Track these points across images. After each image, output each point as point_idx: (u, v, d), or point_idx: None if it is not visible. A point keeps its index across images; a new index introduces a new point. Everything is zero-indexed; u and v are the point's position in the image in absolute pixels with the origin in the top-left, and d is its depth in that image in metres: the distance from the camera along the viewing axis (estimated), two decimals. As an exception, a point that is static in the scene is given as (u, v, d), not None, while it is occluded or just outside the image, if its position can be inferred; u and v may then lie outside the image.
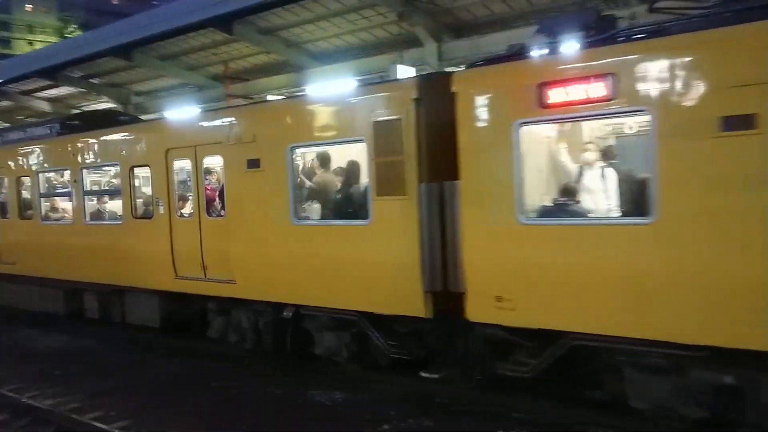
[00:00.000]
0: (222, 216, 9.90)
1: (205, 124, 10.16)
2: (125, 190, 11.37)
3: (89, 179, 12.64)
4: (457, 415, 7.52)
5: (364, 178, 8.43)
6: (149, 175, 10.94)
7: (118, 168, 11.65)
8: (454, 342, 7.91)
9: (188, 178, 10.45)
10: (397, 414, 7.62)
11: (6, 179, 14.04)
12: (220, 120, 9.80)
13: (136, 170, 11.29)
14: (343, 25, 17.38)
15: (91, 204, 12.43)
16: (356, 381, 8.77)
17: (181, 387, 9.08)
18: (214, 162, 10.06)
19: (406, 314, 7.95)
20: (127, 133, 11.50)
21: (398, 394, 8.30)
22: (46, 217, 13.31)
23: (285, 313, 9.35)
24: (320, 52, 19.03)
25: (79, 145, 12.20)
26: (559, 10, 13.88)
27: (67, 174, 12.70)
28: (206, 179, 10.14)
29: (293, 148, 8.84)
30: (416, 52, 16.56)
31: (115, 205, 12.11)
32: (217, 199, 10.06)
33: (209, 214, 10.11)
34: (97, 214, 12.42)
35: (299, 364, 9.46)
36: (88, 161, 12.15)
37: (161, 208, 10.69)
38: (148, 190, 11.23)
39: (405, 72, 14.62)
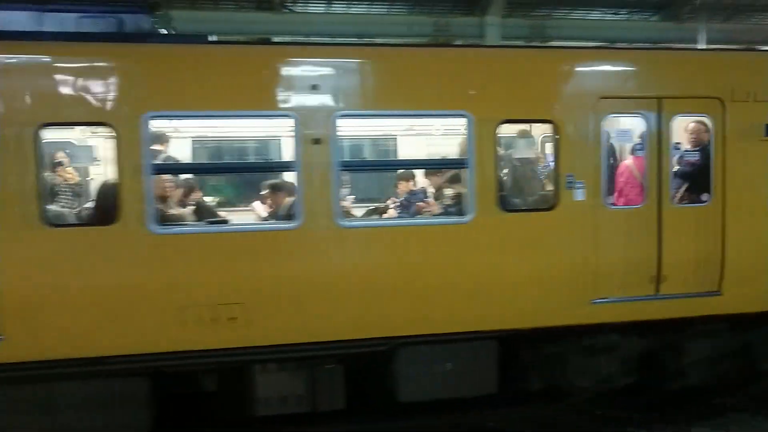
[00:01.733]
0: (704, 202, 6.89)
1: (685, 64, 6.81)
2: (481, 161, 6.31)
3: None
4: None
5: None
6: (540, 137, 6.50)
7: (463, 122, 6.30)
8: None
9: (639, 144, 6.78)
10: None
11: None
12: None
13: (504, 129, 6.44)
14: None
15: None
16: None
17: None
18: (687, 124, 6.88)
19: None
20: (488, 60, 6.38)
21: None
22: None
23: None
24: None
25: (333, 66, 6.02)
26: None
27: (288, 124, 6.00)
28: (676, 148, 6.82)
29: None
30: None
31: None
32: (691, 179, 6.91)
33: (686, 200, 6.87)
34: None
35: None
36: (353, 101, 6.11)
37: (578, 192, 6.51)
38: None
39: None
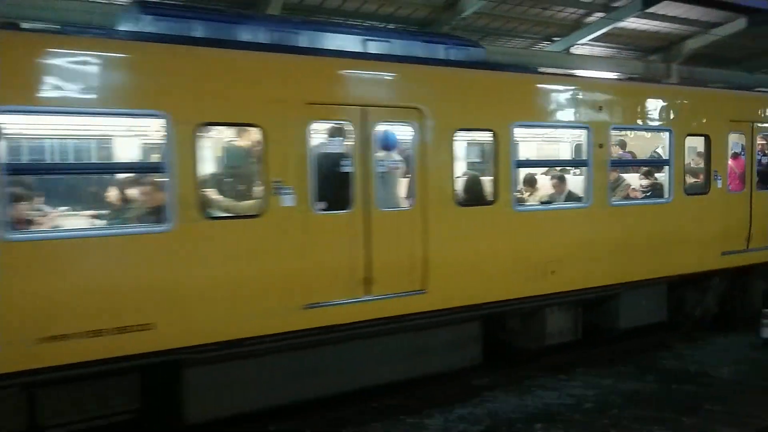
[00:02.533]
0: (773, 189, 10.82)
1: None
2: (678, 161, 9.40)
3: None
4: None
5: None
6: (698, 146, 9.81)
7: (665, 135, 9.29)
8: None
9: (742, 152, 10.38)
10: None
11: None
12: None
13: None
14: None
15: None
16: None
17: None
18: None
19: None
20: (681, 96, 9.45)
21: None
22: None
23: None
24: None
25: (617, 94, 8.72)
26: None
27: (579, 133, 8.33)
28: (758, 154, 10.55)
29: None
30: None
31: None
32: (763, 174, 10.71)
33: (760, 187, 10.62)
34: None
35: None
36: (619, 118, 8.78)
37: (719, 182, 9.94)
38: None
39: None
